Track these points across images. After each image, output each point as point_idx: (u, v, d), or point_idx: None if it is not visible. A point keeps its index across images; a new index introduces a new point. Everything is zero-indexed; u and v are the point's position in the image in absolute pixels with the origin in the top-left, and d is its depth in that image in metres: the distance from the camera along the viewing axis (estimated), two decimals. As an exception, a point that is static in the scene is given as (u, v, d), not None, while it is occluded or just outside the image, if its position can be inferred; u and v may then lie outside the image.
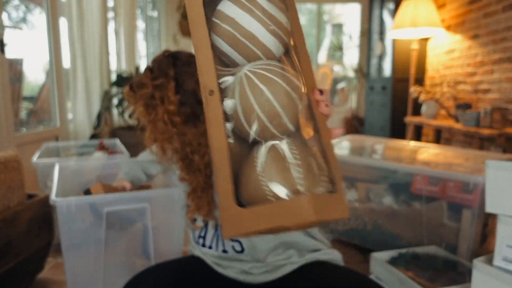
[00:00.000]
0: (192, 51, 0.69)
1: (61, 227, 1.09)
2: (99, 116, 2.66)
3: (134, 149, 2.08)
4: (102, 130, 2.75)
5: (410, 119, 3.27)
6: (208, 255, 0.93)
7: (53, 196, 1.08)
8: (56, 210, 1.07)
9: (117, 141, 2.20)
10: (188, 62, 0.93)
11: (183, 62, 0.93)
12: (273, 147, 0.52)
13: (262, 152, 0.52)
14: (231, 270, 0.90)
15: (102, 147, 1.98)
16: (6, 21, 2.07)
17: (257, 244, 0.87)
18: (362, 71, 5.09)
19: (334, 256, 0.94)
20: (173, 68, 0.91)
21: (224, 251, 0.91)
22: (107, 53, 2.92)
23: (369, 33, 4.29)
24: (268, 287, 0.88)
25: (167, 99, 0.87)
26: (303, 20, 6.79)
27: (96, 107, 2.78)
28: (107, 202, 1.10)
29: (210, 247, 0.93)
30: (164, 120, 0.87)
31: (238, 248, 0.89)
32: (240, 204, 0.51)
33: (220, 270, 0.91)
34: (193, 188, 0.89)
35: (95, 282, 1.16)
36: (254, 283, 0.89)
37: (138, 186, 1.57)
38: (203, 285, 0.88)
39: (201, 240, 0.94)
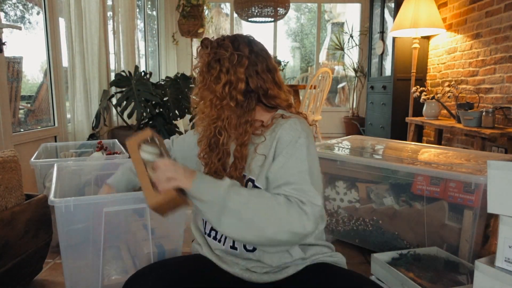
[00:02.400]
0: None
1: (59, 227, 1.08)
2: (97, 116, 2.65)
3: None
4: (100, 130, 2.74)
5: (411, 119, 3.26)
6: (216, 249, 0.94)
7: (51, 197, 1.07)
8: (55, 211, 1.06)
9: (116, 141, 2.19)
10: (261, 49, 0.95)
11: (259, 48, 0.95)
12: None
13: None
14: (236, 267, 0.90)
15: (101, 147, 1.98)
16: (4, 20, 2.06)
17: (267, 248, 0.88)
18: (363, 70, 5.08)
19: (339, 259, 0.95)
20: (248, 49, 0.92)
21: (233, 247, 0.91)
22: (106, 53, 2.91)
23: (370, 32, 4.28)
24: (271, 287, 0.89)
25: (235, 72, 0.88)
26: (303, 19, 6.78)
27: (94, 107, 2.77)
28: (106, 203, 1.09)
29: (219, 241, 0.93)
30: (223, 89, 0.88)
31: (249, 247, 0.89)
32: None
33: (224, 266, 0.91)
34: (208, 169, 0.94)
35: (93, 283, 1.15)
36: (257, 282, 0.89)
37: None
38: (205, 282, 0.88)
39: (213, 233, 0.95)
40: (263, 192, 0.81)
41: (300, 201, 0.78)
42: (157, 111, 2.78)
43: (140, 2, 4.16)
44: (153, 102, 2.68)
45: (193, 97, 0.98)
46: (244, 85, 0.89)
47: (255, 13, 3.99)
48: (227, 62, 0.88)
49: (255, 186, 0.87)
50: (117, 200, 1.11)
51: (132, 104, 2.61)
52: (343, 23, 6.08)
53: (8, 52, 1.98)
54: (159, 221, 1.24)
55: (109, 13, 3.08)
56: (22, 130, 2.24)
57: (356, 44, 5.20)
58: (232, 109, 0.89)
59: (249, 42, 0.93)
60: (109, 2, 3.09)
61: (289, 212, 0.76)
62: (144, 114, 2.59)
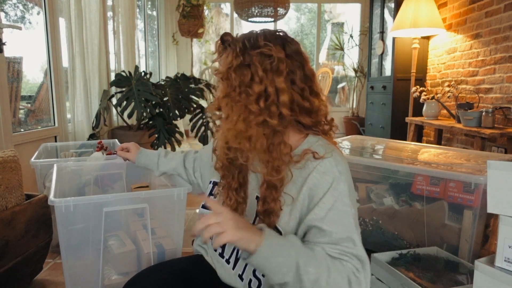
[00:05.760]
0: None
1: (59, 227, 1.08)
2: (98, 116, 2.65)
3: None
4: (101, 130, 2.74)
5: (411, 119, 3.26)
6: (221, 264, 0.87)
7: (51, 197, 1.07)
8: (55, 211, 1.06)
9: (116, 141, 2.19)
10: (297, 52, 0.78)
11: (293, 50, 0.77)
12: None
13: None
14: (237, 283, 0.84)
15: (101, 147, 1.97)
16: (4, 20, 2.06)
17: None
18: (363, 70, 5.08)
19: None
20: (284, 52, 0.75)
21: (240, 277, 0.83)
22: (106, 53, 2.91)
23: (370, 32, 4.28)
24: None
25: (272, 81, 0.72)
26: (303, 19, 6.78)
27: (95, 107, 2.77)
28: (106, 203, 1.09)
29: (227, 262, 0.86)
30: (259, 103, 0.71)
31: (254, 285, 0.80)
32: None
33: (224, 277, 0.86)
34: (225, 184, 0.83)
35: (93, 283, 1.15)
36: None
37: (136, 186, 1.56)
38: (205, 284, 0.87)
39: (219, 249, 0.89)
40: (329, 267, 0.67)
41: (356, 269, 0.68)
42: (157, 111, 2.78)
43: (140, 2, 4.16)
44: (153, 102, 2.68)
45: (215, 112, 0.79)
46: (288, 97, 0.73)
47: (255, 13, 3.99)
48: (260, 70, 0.72)
49: (275, 228, 0.75)
50: (117, 200, 1.10)
51: (132, 104, 2.61)
52: (343, 23, 6.08)
53: (8, 52, 1.98)
54: (159, 221, 1.25)
55: (109, 13, 3.08)
56: (22, 130, 2.24)
57: (356, 44, 5.20)
58: (268, 127, 0.72)
59: (282, 42, 0.76)
60: (109, 2, 3.09)
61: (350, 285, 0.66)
62: (144, 114, 2.59)
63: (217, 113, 0.79)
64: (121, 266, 1.21)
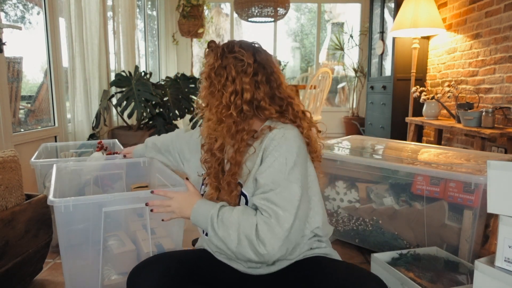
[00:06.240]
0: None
1: (59, 227, 1.08)
2: (98, 116, 2.65)
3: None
4: (100, 130, 2.74)
5: (411, 119, 3.26)
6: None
7: (50, 197, 1.07)
8: (54, 211, 1.06)
9: (116, 141, 2.19)
10: (266, 61, 0.96)
11: (262, 59, 0.96)
12: None
13: None
14: (234, 262, 0.96)
15: (101, 147, 1.97)
16: (4, 20, 2.06)
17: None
18: (363, 70, 5.08)
19: (332, 253, 0.99)
20: (253, 59, 0.94)
21: None
22: (106, 53, 2.91)
23: (370, 32, 4.28)
24: (268, 279, 0.93)
25: (241, 81, 0.91)
26: (303, 19, 6.78)
27: (95, 107, 2.77)
28: (105, 202, 1.09)
29: None
30: (229, 98, 0.91)
31: None
32: None
33: (224, 260, 0.97)
34: (209, 173, 0.99)
35: (93, 283, 1.15)
36: (254, 275, 0.94)
37: (136, 186, 1.57)
38: (207, 272, 0.94)
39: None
40: (241, 219, 0.85)
41: (267, 218, 0.83)
42: (157, 111, 2.78)
43: (140, 2, 4.16)
44: (153, 102, 2.68)
45: (199, 100, 1.00)
46: (250, 95, 0.92)
47: (255, 13, 3.99)
48: (234, 71, 0.91)
49: (242, 193, 0.93)
50: (116, 200, 1.11)
51: (132, 104, 2.61)
52: (343, 23, 6.08)
53: (8, 52, 1.98)
54: (159, 221, 1.25)
55: (109, 13, 3.08)
56: (22, 130, 2.24)
57: (356, 44, 5.20)
58: (233, 117, 0.92)
59: (254, 51, 0.95)
60: (109, 2, 3.09)
61: (258, 236, 0.82)
62: (144, 114, 2.59)
63: (201, 102, 0.98)
64: (121, 266, 1.21)
